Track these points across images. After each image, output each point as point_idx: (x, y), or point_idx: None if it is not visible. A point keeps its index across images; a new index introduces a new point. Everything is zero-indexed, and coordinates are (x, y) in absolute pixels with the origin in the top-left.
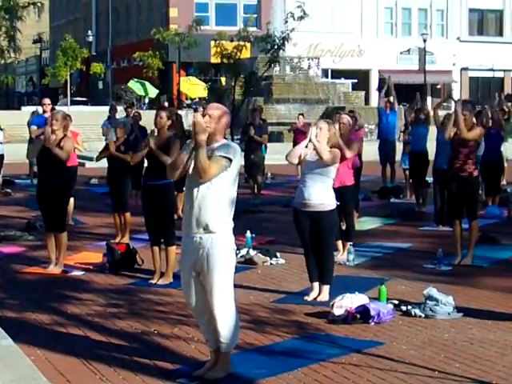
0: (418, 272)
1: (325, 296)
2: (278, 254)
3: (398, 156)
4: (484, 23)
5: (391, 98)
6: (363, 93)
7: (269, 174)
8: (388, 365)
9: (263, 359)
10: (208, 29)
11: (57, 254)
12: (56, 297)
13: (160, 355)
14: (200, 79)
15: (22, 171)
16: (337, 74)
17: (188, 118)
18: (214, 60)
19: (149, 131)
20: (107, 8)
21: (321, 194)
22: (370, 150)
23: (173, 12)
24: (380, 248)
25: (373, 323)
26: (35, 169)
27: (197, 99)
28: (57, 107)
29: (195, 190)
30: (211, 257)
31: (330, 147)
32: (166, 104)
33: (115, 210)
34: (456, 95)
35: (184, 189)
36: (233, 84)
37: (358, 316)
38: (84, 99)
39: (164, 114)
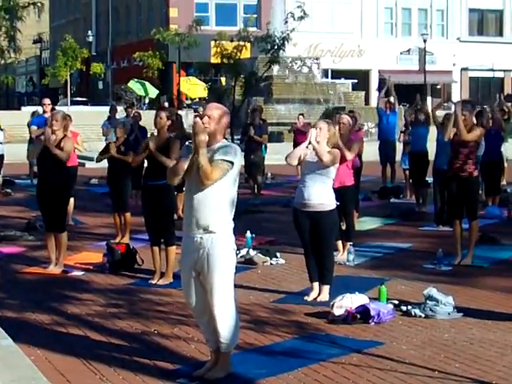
0: (417, 272)
1: (325, 296)
2: (278, 254)
3: (398, 156)
4: (484, 23)
5: (391, 99)
6: (363, 93)
7: (269, 174)
8: (388, 365)
9: (263, 359)
10: (208, 29)
11: (57, 254)
12: (56, 297)
13: (160, 355)
14: (200, 79)
15: (22, 171)
16: (337, 74)
17: (188, 118)
18: (214, 60)
19: (149, 131)
20: (107, 8)
21: (321, 194)
22: (370, 151)
23: (173, 12)
24: (380, 248)
25: (373, 323)
26: (35, 169)
27: (197, 99)
28: (57, 107)
29: (195, 190)
30: (211, 257)
31: (330, 147)
32: (166, 104)
33: (115, 210)
34: (456, 95)
35: (184, 189)
36: (233, 84)
37: (358, 316)
38: (84, 99)
39: (164, 115)
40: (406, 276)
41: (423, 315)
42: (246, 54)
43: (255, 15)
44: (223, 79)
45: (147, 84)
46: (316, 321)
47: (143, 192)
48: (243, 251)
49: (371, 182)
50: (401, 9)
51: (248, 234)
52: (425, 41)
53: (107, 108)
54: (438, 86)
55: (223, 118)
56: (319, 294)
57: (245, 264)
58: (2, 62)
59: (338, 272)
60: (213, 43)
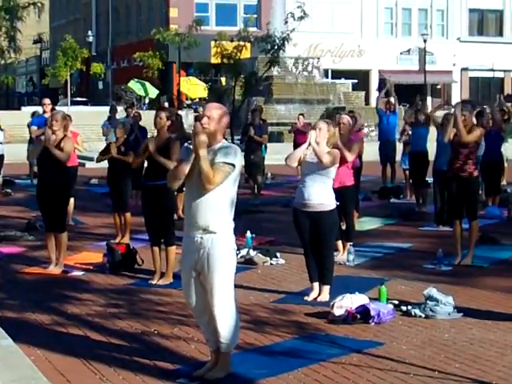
0: (417, 272)
1: (325, 296)
2: (278, 254)
3: (398, 156)
4: (484, 23)
5: (392, 100)
6: (363, 93)
7: (269, 174)
8: (388, 365)
9: (263, 359)
10: (208, 29)
11: (57, 254)
12: (56, 297)
13: (160, 355)
14: (200, 79)
15: (22, 171)
16: (337, 74)
17: (188, 118)
18: (214, 60)
19: (149, 131)
20: (107, 8)
21: (320, 194)
22: (370, 151)
23: (173, 12)
24: (380, 248)
25: (373, 323)
26: (35, 169)
27: (197, 99)
28: (57, 107)
29: (196, 191)
30: (212, 257)
31: (330, 147)
32: (166, 104)
33: (115, 210)
34: (456, 95)
35: (184, 189)
36: (233, 84)
37: (358, 316)
38: (84, 99)
39: (163, 115)
40: (406, 276)
41: (423, 315)
42: (246, 54)
43: (255, 15)
44: (223, 79)
45: (147, 84)
46: (316, 321)
47: (143, 192)
48: (243, 251)
49: (371, 182)
50: (401, 9)
51: (248, 234)
52: (425, 41)
53: (107, 108)
54: (438, 86)
55: (223, 117)
56: (319, 294)
57: (245, 264)
58: (2, 62)
59: (338, 272)
60: (213, 43)
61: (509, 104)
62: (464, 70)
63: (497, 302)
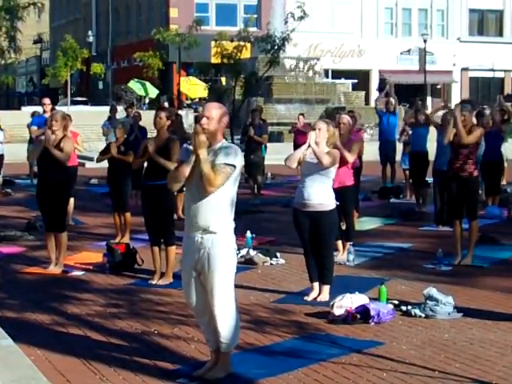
0: (418, 272)
1: (325, 296)
2: (278, 254)
3: (398, 156)
4: (484, 23)
5: (392, 100)
6: (363, 93)
7: (269, 174)
8: (388, 365)
9: (263, 359)
10: (208, 29)
11: (57, 254)
12: (56, 297)
13: (160, 355)
14: (200, 79)
15: (22, 171)
16: (337, 74)
17: (188, 118)
18: (215, 60)
19: (149, 131)
20: (107, 8)
21: (320, 194)
22: (370, 151)
23: (173, 12)
24: (380, 248)
25: (373, 323)
26: (35, 169)
27: (197, 99)
28: (57, 107)
29: (196, 191)
30: (212, 257)
31: (330, 147)
32: (166, 104)
33: (115, 210)
34: (456, 95)
35: (184, 189)
36: (233, 84)
37: (358, 316)
38: (84, 99)
39: (163, 115)
40: (406, 276)
41: (423, 315)
42: (246, 54)
43: (255, 15)
44: (223, 79)
45: (147, 84)
46: (316, 321)
47: (143, 192)
48: (243, 251)
49: (371, 182)
50: (401, 9)
51: (248, 233)
52: (425, 41)
53: (107, 108)
54: (438, 86)
55: (223, 117)
56: (319, 294)
57: (245, 264)
58: (3, 62)
59: (338, 272)
60: (213, 43)
61: (509, 104)
62: (464, 70)
63: (497, 302)
